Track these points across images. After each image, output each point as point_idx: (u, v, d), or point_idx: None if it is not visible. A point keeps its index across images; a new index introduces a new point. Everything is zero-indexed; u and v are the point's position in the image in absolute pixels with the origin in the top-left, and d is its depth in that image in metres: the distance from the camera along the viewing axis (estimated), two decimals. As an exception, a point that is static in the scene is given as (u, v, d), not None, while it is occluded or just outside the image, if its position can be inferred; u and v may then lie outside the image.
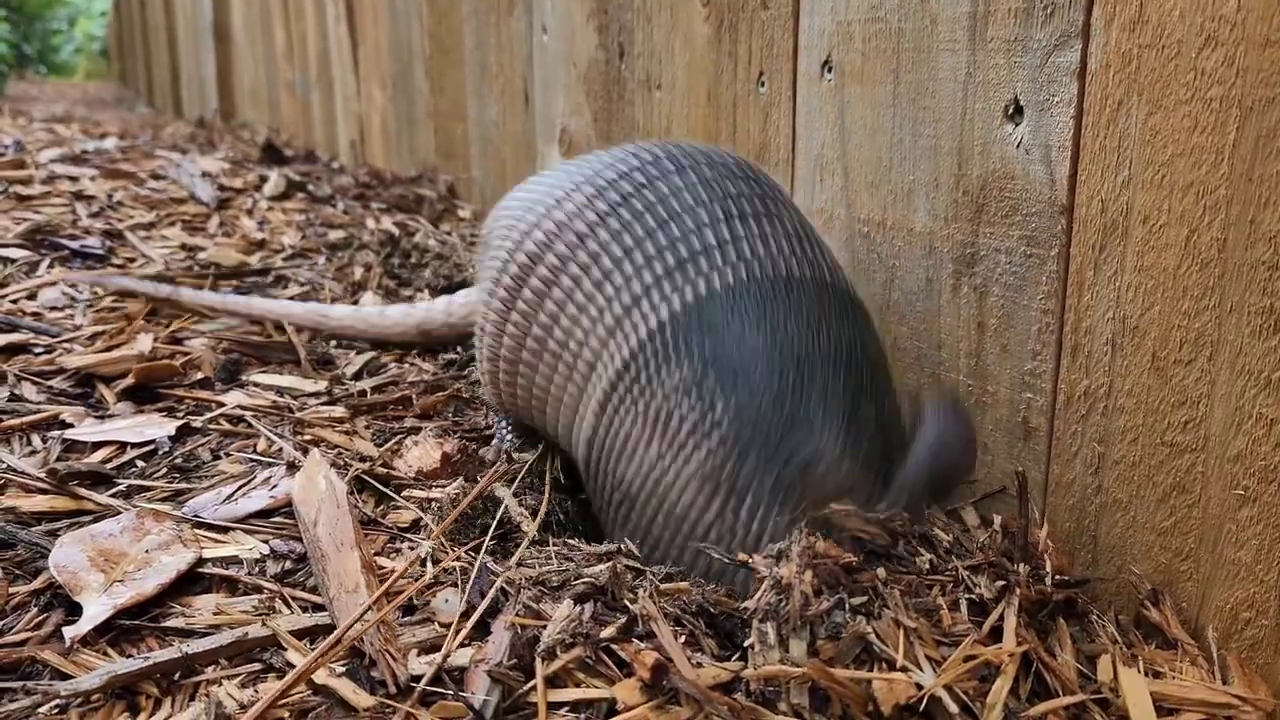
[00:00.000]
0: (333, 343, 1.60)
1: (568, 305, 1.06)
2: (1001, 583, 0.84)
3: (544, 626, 0.83)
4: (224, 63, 5.16)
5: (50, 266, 1.78)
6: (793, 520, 0.85)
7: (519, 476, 1.16)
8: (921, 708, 0.73)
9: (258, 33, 4.53)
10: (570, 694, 0.77)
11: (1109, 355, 0.94)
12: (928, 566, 0.82)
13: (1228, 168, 0.82)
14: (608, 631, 0.81)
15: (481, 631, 0.87)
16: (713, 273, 0.98)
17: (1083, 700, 0.77)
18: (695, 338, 0.95)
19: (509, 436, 1.27)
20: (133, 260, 1.88)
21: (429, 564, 0.97)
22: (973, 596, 0.82)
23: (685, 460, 0.93)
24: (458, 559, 0.97)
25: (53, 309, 1.61)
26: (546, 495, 1.13)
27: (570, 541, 1.02)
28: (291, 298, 1.75)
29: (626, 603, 0.84)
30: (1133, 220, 0.90)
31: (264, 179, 2.62)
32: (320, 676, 0.80)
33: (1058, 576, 0.89)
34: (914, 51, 1.11)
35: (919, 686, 0.72)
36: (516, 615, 0.85)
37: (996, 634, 0.80)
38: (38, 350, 1.43)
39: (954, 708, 0.71)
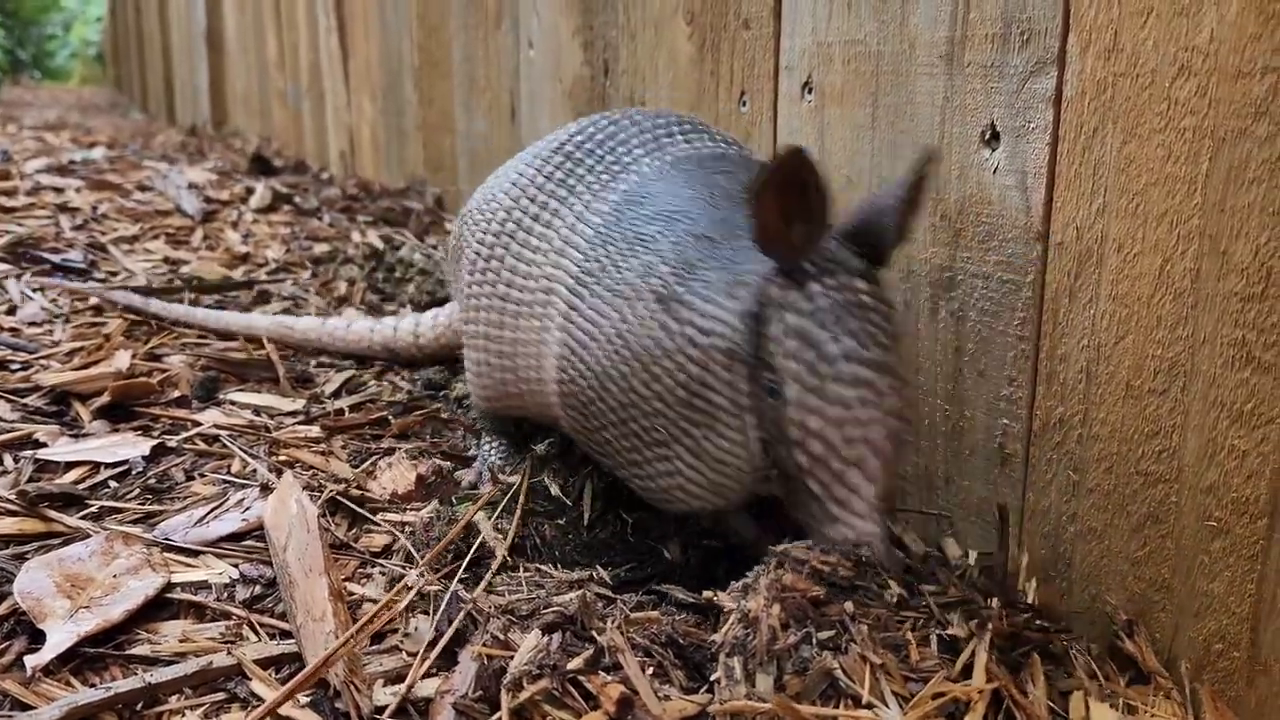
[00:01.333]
0: (313, 360, 1.59)
1: (524, 253, 1.11)
2: (975, 620, 0.83)
3: (511, 657, 0.83)
4: (216, 71, 5.16)
5: (29, 280, 1.77)
6: (748, 303, 0.88)
7: (500, 504, 1.14)
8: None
9: (250, 41, 4.53)
10: (535, 727, 0.76)
11: (1083, 383, 0.94)
12: (896, 600, 0.81)
13: (1200, 198, 0.82)
14: (575, 663, 0.80)
15: (449, 660, 0.86)
16: (643, 162, 1.07)
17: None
18: (632, 211, 1.01)
19: (492, 457, 1.27)
20: (114, 274, 1.87)
21: (401, 591, 0.96)
22: (943, 634, 0.81)
23: (640, 303, 0.94)
24: (431, 584, 0.96)
25: (31, 324, 1.60)
26: (516, 517, 1.12)
27: (543, 568, 1.01)
28: (275, 313, 1.74)
29: (594, 633, 0.84)
30: (1107, 248, 0.90)
31: (251, 191, 2.61)
32: (284, 708, 0.79)
33: (1035, 620, 0.88)
34: (893, 74, 1.10)
35: (886, 723, 0.71)
36: (484, 645, 0.84)
37: (968, 671, 0.80)
38: (14, 366, 1.42)
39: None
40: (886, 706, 0.72)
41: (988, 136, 1.01)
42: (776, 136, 1.31)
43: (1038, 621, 0.92)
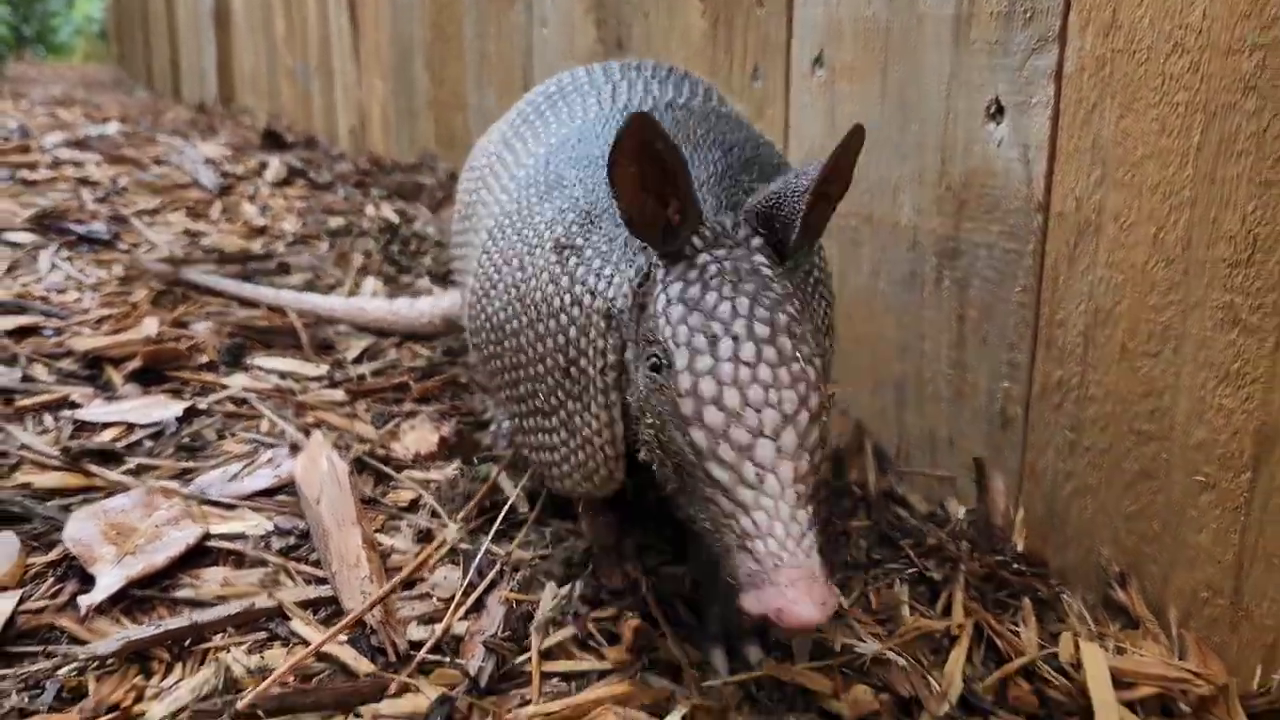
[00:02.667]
0: (332, 329, 1.64)
1: (482, 197, 1.12)
2: (949, 562, 0.88)
3: (536, 602, 0.88)
4: (224, 48, 5.18)
5: (58, 251, 1.81)
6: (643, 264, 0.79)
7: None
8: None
9: (258, 19, 4.55)
10: (560, 665, 0.82)
11: (1082, 347, 0.98)
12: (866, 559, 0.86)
13: (1192, 169, 0.86)
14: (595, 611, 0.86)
15: (476, 606, 0.91)
16: (592, 109, 1.04)
17: (1034, 661, 0.80)
18: (562, 154, 0.95)
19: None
20: (137, 245, 1.91)
21: (437, 544, 1.01)
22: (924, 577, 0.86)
23: (541, 249, 0.87)
24: (463, 541, 1.01)
25: (59, 292, 1.64)
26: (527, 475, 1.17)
27: (565, 525, 1.06)
28: (295, 286, 1.79)
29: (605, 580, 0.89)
30: (1105, 218, 0.94)
31: (265, 165, 2.65)
32: (327, 646, 0.84)
33: (1013, 564, 0.93)
34: (901, 50, 1.14)
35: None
36: (510, 591, 0.89)
37: (949, 612, 0.85)
38: (47, 332, 1.47)
39: (904, 661, 0.75)
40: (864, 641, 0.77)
41: (992, 111, 1.05)
42: (789, 111, 1.35)
43: (1015, 566, 0.97)
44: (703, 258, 0.75)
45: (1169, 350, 0.90)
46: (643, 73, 1.11)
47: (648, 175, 0.73)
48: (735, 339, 0.71)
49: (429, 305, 1.64)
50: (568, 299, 0.83)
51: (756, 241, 0.77)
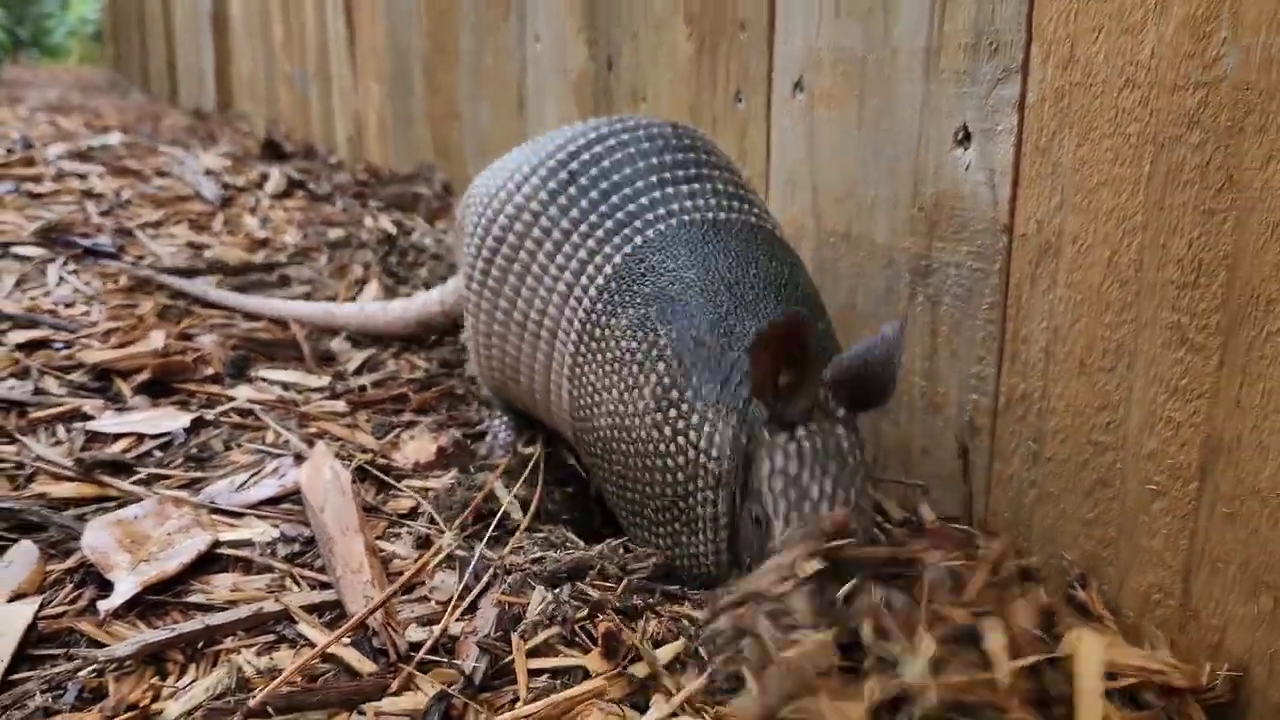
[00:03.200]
0: (334, 339, 1.69)
1: (526, 278, 1.17)
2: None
3: (526, 604, 0.94)
4: (222, 54, 5.23)
5: (64, 264, 1.87)
6: (739, 426, 0.93)
7: (520, 475, 1.25)
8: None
9: (256, 24, 4.60)
10: (548, 662, 0.87)
11: (1043, 362, 1.04)
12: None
13: (1143, 196, 0.92)
14: (578, 614, 0.91)
15: (472, 609, 0.97)
16: (647, 227, 1.08)
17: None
18: (635, 284, 1.05)
19: (503, 433, 1.37)
20: (141, 257, 1.97)
21: (433, 551, 1.07)
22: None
23: (639, 393, 1.00)
24: (459, 547, 1.07)
25: (68, 305, 1.70)
26: (524, 483, 1.22)
27: (557, 530, 1.12)
28: (296, 298, 1.84)
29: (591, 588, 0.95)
30: (1064, 241, 1.00)
31: (265, 176, 2.70)
32: (332, 647, 0.90)
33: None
34: (876, 79, 1.20)
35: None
36: (502, 594, 0.95)
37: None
38: (57, 345, 1.52)
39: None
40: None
41: (960, 137, 1.11)
42: (770, 132, 1.40)
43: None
44: (800, 432, 0.90)
45: (1122, 366, 0.96)
46: (672, 163, 1.14)
47: (784, 360, 0.88)
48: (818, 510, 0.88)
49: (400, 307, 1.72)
50: (674, 449, 0.97)
51: (842, 414, 0.92)
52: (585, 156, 1.18)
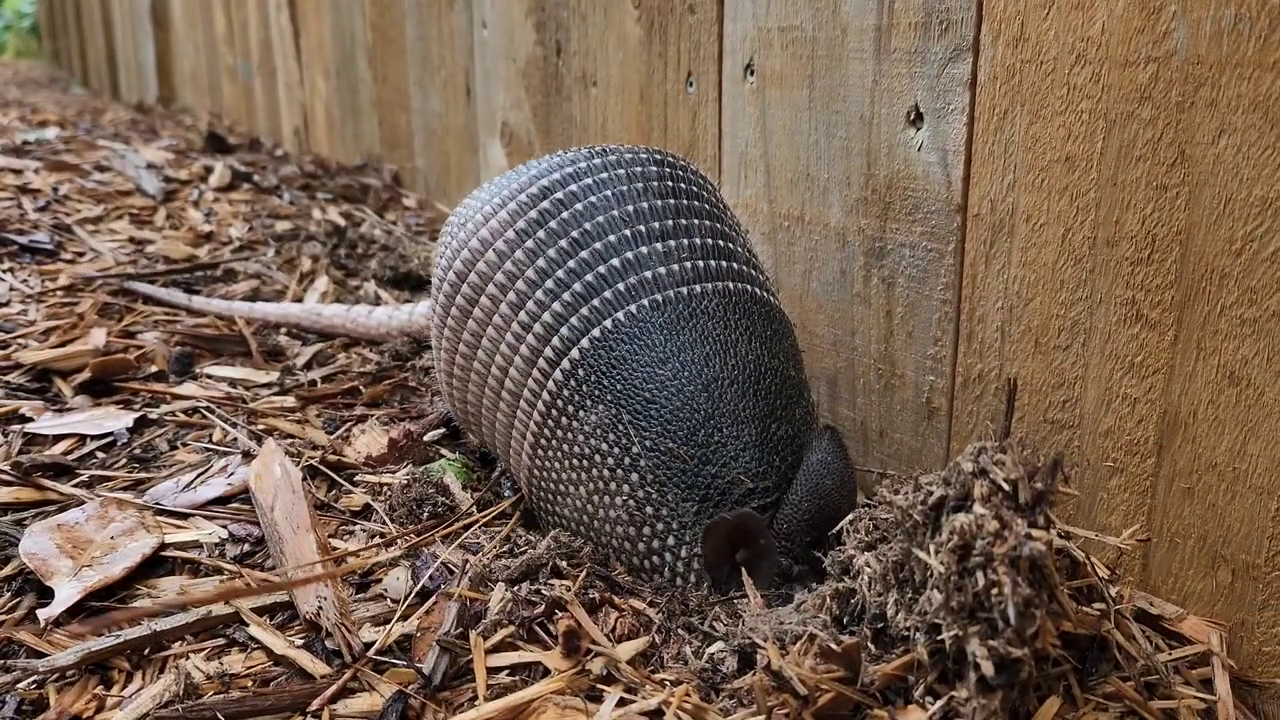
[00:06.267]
0: (281, 334, 1.66)
1: (488, 328, 1.09)
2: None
3: (486, 601, 0.91)
4: (163, 48, 5.12)
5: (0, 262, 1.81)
6: (712, 555, 0.92)
7: (474, 471, 1.23)
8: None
9: (198, 18, 4.51)
10: (508, 658, 0.85)
11: (999, 341, 1.04)
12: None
13: (1096, 173, 0.91)
14: (536, 611, 0.89)
15: (429, 608, 0.94)
16: (618, 307, 1.01)
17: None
18: (605, 377, 0.99)
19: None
20: (81, 255, 1.91)
21: (383, 545, 1.04)
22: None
23: (610, 501, 0.97)
24: (411, 542, 1.05)
25: (3, 305, 1.64)
26: (494, 483, 1.20)
27: (512, 525, 1.10)
28: (244, 295, 1.80)
29: (549, 585, 0.93)
30: (1018, 219, 1.00)
31: (209, 170, 2.64)
32: (279, 648, 0.87)
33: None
34: (827, 59, 1.19)
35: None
36: (462, 590, 0.93)
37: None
38: (-7, 346, 1.47)
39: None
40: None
41: (912, 117, 1.10)
42: (722, 115, 1.39)
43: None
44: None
45: (1078, 344, 0.96)
46: (646, 229, 1.06)
47: (737, 546, 0.92)
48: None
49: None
50: (647, 564, 0.97)
51: (798, 573, 0.92)
52: (559, 195, 1.08)
